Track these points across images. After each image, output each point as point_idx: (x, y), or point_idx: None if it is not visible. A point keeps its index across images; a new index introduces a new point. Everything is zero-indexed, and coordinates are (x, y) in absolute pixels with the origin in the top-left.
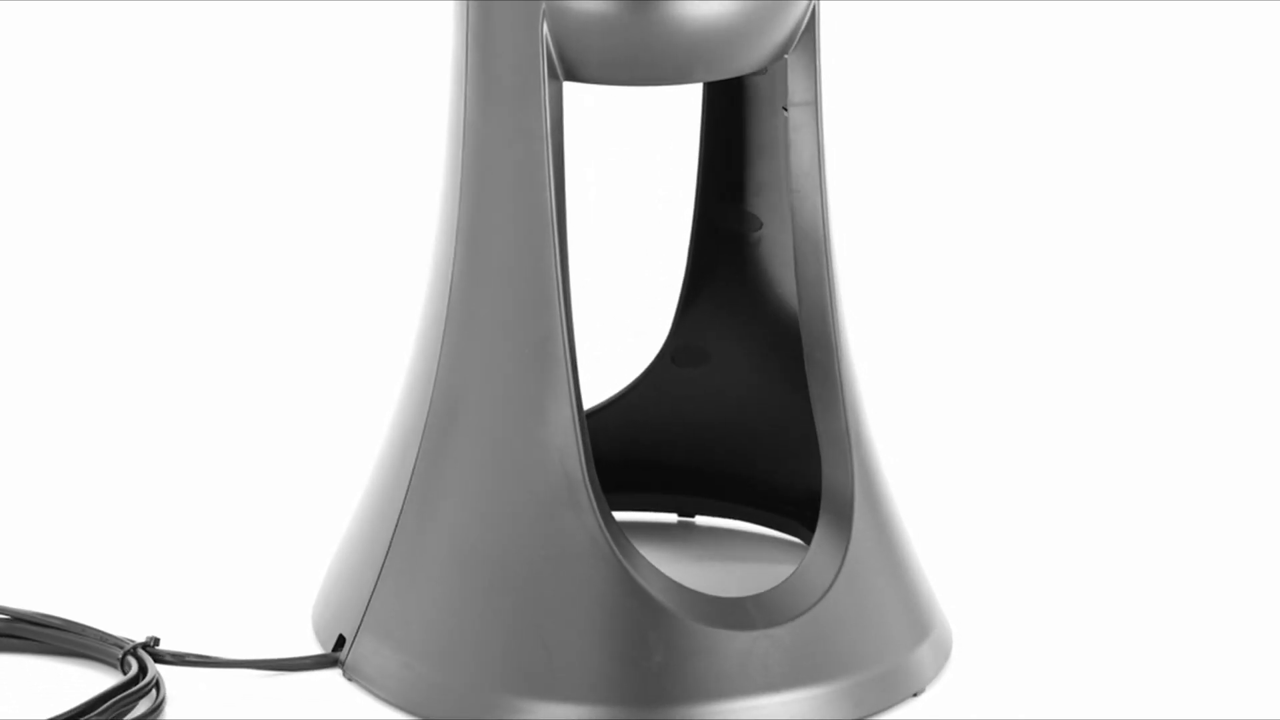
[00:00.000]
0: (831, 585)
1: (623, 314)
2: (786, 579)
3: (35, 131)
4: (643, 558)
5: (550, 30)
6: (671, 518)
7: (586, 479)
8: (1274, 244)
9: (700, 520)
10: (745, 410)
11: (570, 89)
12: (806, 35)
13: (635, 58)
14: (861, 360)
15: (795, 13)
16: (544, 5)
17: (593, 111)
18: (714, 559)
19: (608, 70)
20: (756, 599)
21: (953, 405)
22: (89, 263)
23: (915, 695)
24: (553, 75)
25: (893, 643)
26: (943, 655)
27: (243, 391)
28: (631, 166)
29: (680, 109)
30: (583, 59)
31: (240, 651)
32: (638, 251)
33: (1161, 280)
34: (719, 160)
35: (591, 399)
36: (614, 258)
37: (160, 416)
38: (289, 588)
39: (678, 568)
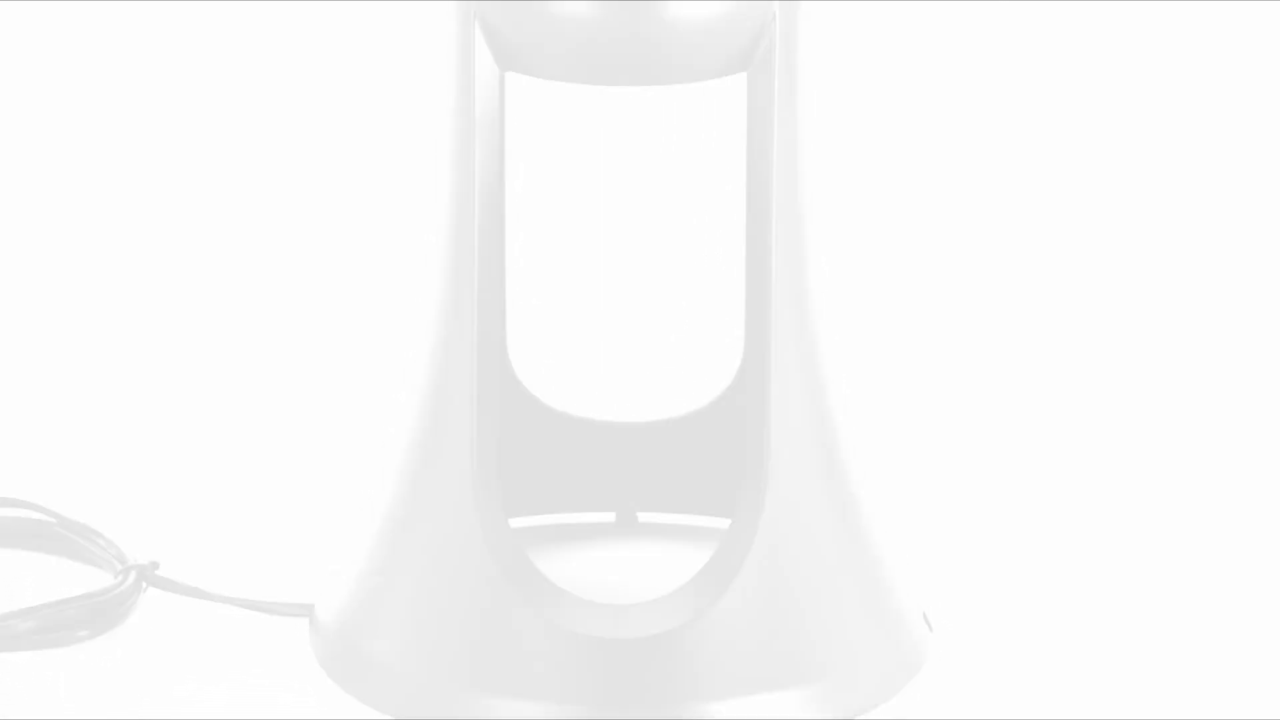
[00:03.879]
0: (700, 617)
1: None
2: (658, 598)
3: (35, 131)
4: (523, 556)
5: (481, 17)
6: None
7: (478, 467)
8: (1264, 248)
9: None
10: None
11: (617, 95)
12: (766, 54)
13: (550, 51)
14: (850, 364)
15: (730, 31)
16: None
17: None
18: None
19: (536, 64)
20: (624, 609)
21: (947, 418)
22: (128, 231)
23: None
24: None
25: (810, 669)
26: (903, 678)
27: (287, 361)
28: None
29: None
30: (510, 52)
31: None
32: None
33: (1146, 281)
34: None
35: (669, 405)
36: (692, 262)
37: (215, 374)
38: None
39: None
